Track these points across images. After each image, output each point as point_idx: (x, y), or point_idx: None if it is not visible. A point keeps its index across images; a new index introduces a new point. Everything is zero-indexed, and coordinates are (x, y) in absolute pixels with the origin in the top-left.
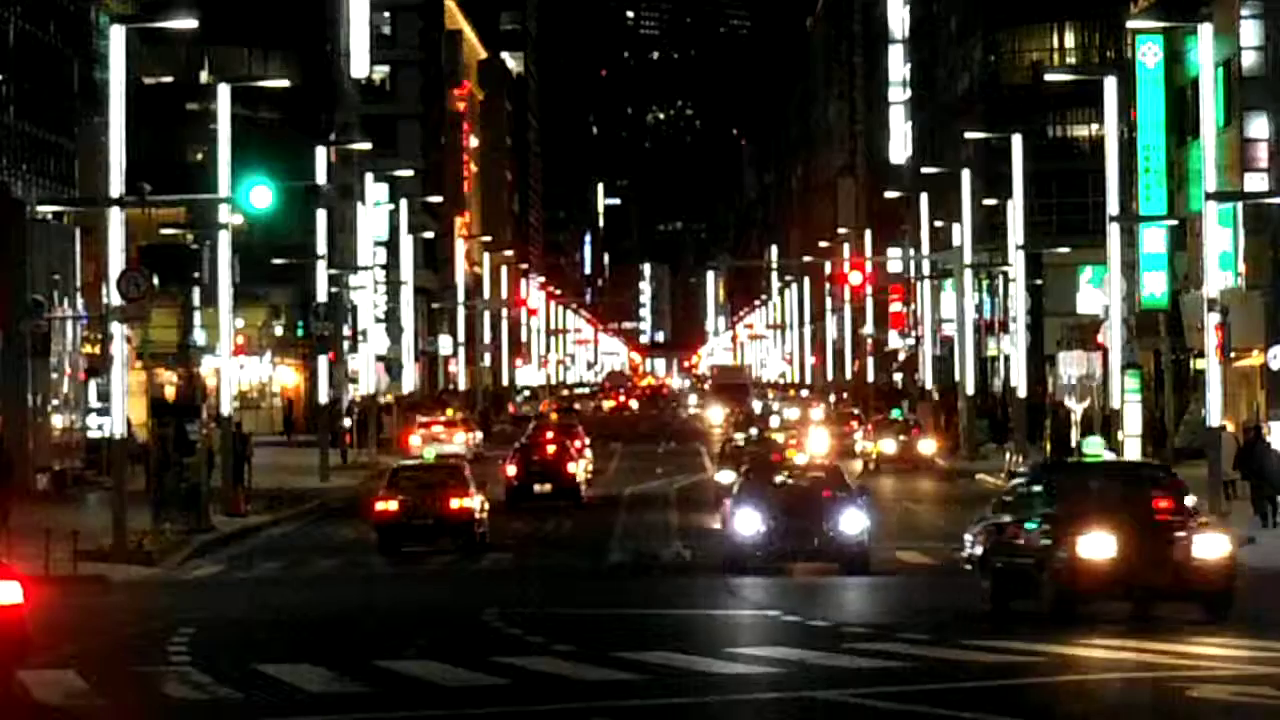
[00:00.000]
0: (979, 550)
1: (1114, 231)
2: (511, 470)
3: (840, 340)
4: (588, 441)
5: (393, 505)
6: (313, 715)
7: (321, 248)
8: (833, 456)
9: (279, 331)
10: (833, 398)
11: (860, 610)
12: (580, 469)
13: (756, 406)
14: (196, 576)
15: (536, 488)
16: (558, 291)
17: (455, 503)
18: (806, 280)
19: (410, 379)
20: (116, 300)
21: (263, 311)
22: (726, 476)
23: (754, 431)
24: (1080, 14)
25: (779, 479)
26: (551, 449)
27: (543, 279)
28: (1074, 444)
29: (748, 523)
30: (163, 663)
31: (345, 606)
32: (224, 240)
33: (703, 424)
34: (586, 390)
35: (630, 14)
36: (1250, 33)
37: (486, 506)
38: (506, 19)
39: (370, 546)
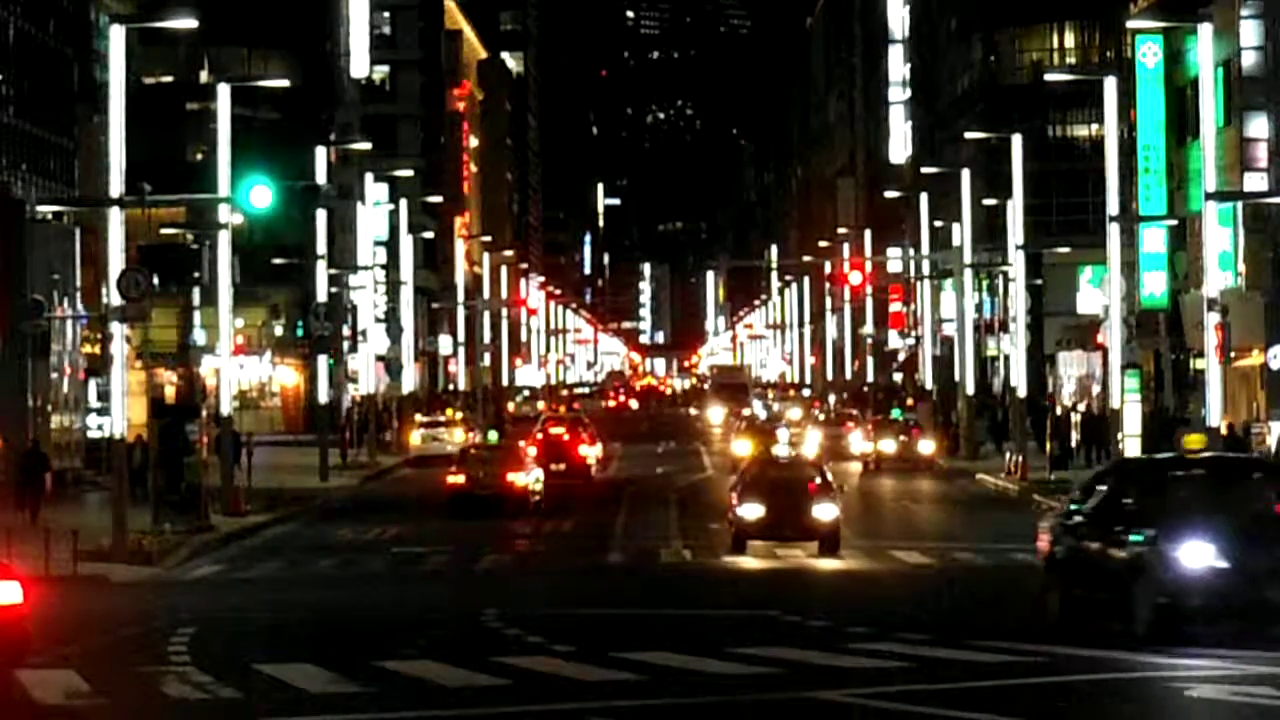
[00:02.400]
0: None
1: (1114, 231)
2: (531, 452)
3: (840, 340)
4: (596, 432)
5: (461, 479)
6: (313, 715)
7: (321, 248)
8: (826, 457)
9: (279, 331)
10: (832, 398)
11: None
12: (592, 453)
13: (757, 407)
14: (196, 576)
15: (553, 466)
16: (558, 291)
17: (512, 477)
18: (806, 280)
19: (410, 379)
20: (116, 300)
21: (263, 311)
22: (753, 510)
23: (777, 450)
24: (1080, 14)
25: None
26: (566, 435)
27: (543, 279)
28: (1075, 444)
29: (1197, 556)
30: (163, 663)
31: (345, 606)
32: (224, 240)
33: (703, 424)
34: (587, 390)
35: (630, 14)
36: (1250, 33)
37: (541, 480)
38: (506, 19)
39: (368, 547)
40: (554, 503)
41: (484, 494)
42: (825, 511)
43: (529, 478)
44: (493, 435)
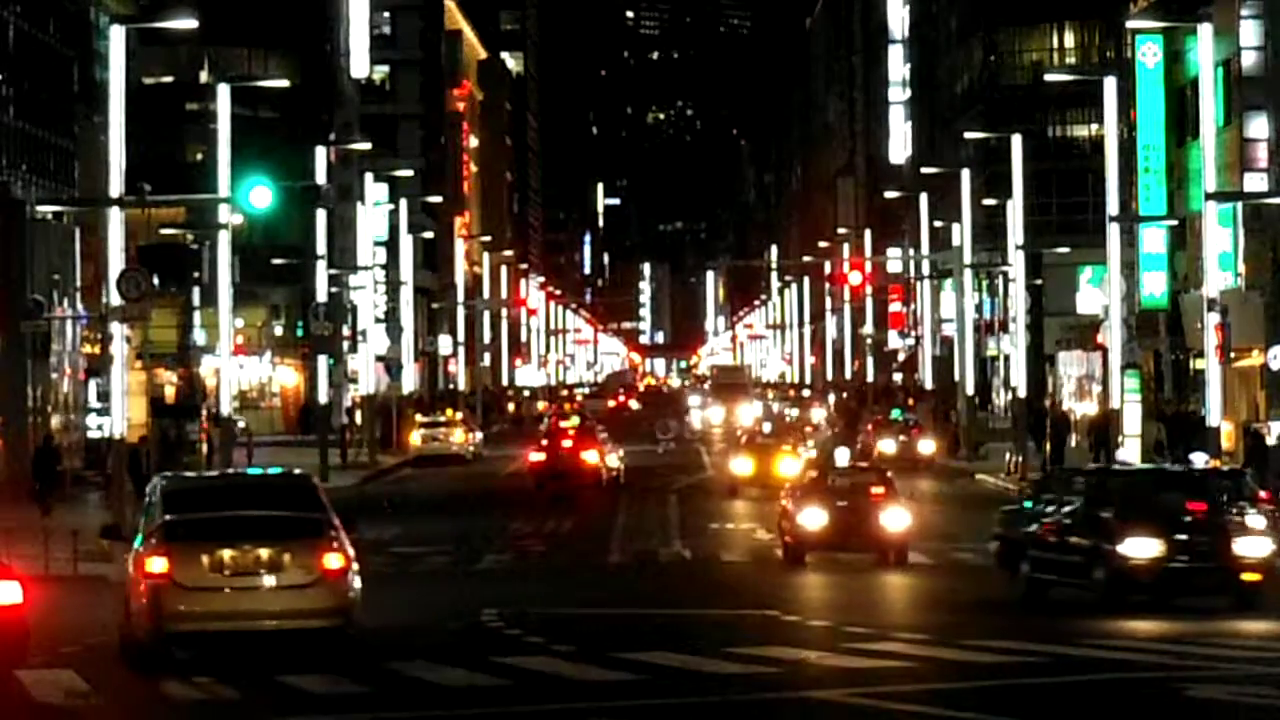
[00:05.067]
0: None
1: (1114, 231)
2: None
3: (840, 340)
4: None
5: (542, 456)
6: (313, 715)
7: (321, 248)
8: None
9: (279, 331)
10: (831, 397)
11: None
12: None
13: (757, 407)
14: None
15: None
16: (558, 291)
17: (585, 455)
18: (806, 280)
19: (410, 379)
20: (116, 300)
21: (263, 311)
22: (816, 517)
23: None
24: (1080, 14)
25: None
26: (572, 431)
27: (543, 279)
28: (1073, 445)
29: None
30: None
31: None
32: (224, 240)
33: (703, 424)
34: (587, 390)
35: (630, 14)
36: (1250, 33)
37: (612, 459)
38: (506, 19)
39: (368, 547)
40: (555, 498)
41: (563, 469)
42: (894, 520)
43: (602, 457)
44: (573, 420)
